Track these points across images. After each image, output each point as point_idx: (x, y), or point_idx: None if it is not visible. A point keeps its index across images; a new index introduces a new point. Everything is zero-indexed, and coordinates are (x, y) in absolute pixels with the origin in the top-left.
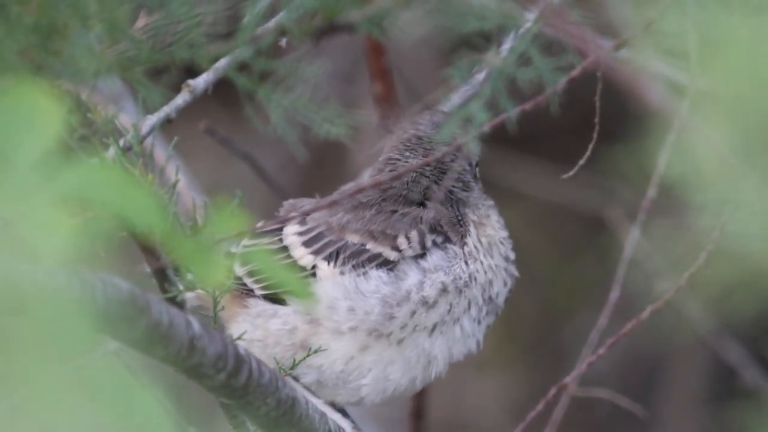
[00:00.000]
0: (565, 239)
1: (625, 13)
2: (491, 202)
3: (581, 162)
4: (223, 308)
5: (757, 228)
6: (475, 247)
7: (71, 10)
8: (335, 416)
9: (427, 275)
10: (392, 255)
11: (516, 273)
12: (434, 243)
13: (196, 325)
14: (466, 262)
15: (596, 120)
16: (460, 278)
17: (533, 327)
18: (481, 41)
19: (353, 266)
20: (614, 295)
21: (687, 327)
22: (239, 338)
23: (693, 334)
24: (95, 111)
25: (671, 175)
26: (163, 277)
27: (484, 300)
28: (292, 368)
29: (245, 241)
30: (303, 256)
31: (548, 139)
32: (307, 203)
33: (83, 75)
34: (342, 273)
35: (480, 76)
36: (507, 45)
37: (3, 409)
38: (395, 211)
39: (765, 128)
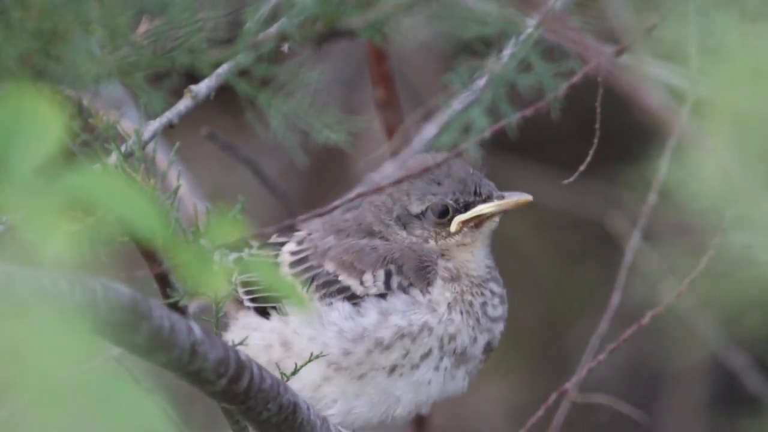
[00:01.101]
0: (569, 246)
1: (626, 19)
2: (486, 266)
3: (581, 168)
4: (225, 314)
5: (761, 236)
6: (437, 299)
7: (73, 16)
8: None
9: (385, 316)
10: (359, 290)
11: (498, 331)
12: (400, 285)
13: (197, 331)
14: (426, 311)
15: (597, 126)
16: (414, 325)
17: (536, 333)
18: (483, 47)
19: (322, 296)
20: (615, 300)
21: (690, 334)
22: (240, 344)
23: (696, 340)
24: (97, 116)
25: (673, 182)
26: (164, 282)
27: (446, 351)
28: (293, 373)
29: (251, 250)
30: (285, 275)
31: (553, 146)
32: (317, 222)
33: (84, 80)
34: (311, 300)
35: (481, 82)
36: (508, 51)
37: (5, 415)
38: (367, 240)
39: (765, 134)
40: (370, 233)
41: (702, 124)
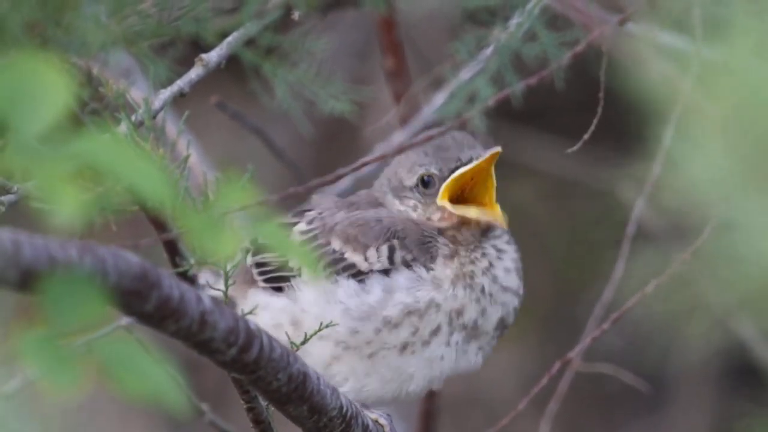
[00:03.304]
0: (580, 215)
1: None
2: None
3: (585, 137)
4: (234, 283)
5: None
6: (440, 276)
7: None
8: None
9: (390, 294)
10: (364, 266)
11: (512, 306)
12: (403, 260)
13: (206, 300)
14: (431, 287)
15: (601, 95)
16: (420, 302)
17: (547, 302)
18: (488, 16)
19: (330, 274)
20: (619, 270)
21: (700, 303)
22: (250, 313)
23: (706, 309)
24: (107, 85)
25: (678, 153)
26: (173, 251)
27: (455, 326)
28: (303, 343)
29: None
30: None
31: (562, 115)
32: (330, 200)
33: (90, 49)
34: (321, 278)
35: (487, 51)
36: (514, 20)
37: (15, 382)
38: (373, 211)
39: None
40: (378, 203)
41: (706, 93)
